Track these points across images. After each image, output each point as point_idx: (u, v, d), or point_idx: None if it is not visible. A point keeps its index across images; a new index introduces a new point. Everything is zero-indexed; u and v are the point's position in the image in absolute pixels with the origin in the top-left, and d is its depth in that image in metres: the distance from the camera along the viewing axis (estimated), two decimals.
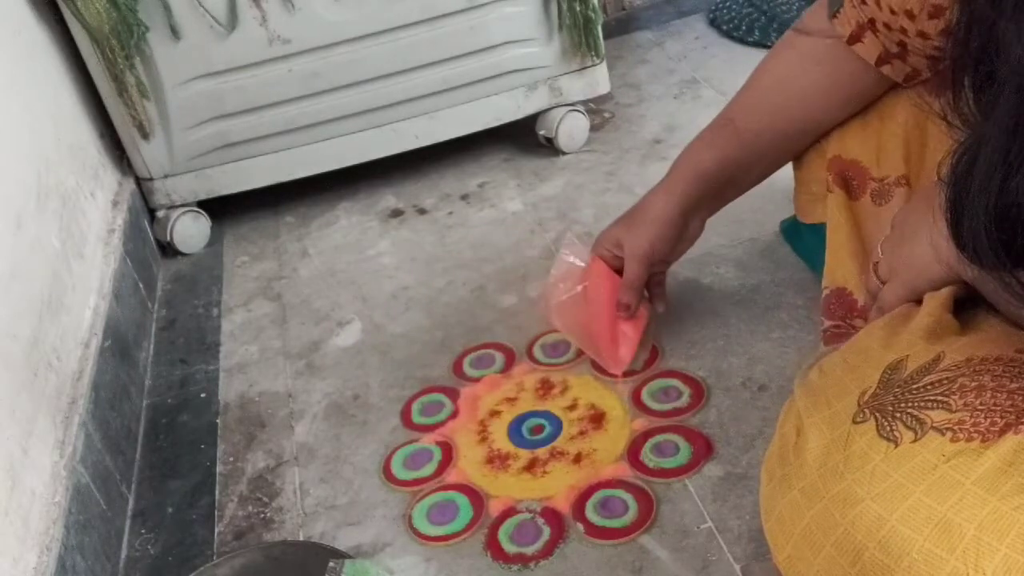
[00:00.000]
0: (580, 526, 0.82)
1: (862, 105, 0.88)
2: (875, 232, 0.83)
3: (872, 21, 0.79)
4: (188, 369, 1.16)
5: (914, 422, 0.56)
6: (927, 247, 0.66)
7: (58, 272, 1.02)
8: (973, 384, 0.56)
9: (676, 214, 0.94)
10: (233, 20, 1.26)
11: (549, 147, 1.46)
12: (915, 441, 0.54)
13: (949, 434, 0.54)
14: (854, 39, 0.82)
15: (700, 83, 1.57)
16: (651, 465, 0.86)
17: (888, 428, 0.56)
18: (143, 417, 1.09)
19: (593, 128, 1.48)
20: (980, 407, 0.54)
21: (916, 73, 0.81)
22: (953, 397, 0.56)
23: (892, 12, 0.76)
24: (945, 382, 0.57)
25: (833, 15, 0.83)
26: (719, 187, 0.95)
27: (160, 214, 1.40)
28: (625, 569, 0.78)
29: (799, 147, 0.95)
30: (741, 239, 1.14)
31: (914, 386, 0.58)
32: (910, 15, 0.75)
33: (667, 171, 0.97)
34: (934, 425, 0.54)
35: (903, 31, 0.77)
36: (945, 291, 0.66)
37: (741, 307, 1.03)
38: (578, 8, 1.35)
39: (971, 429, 0.53)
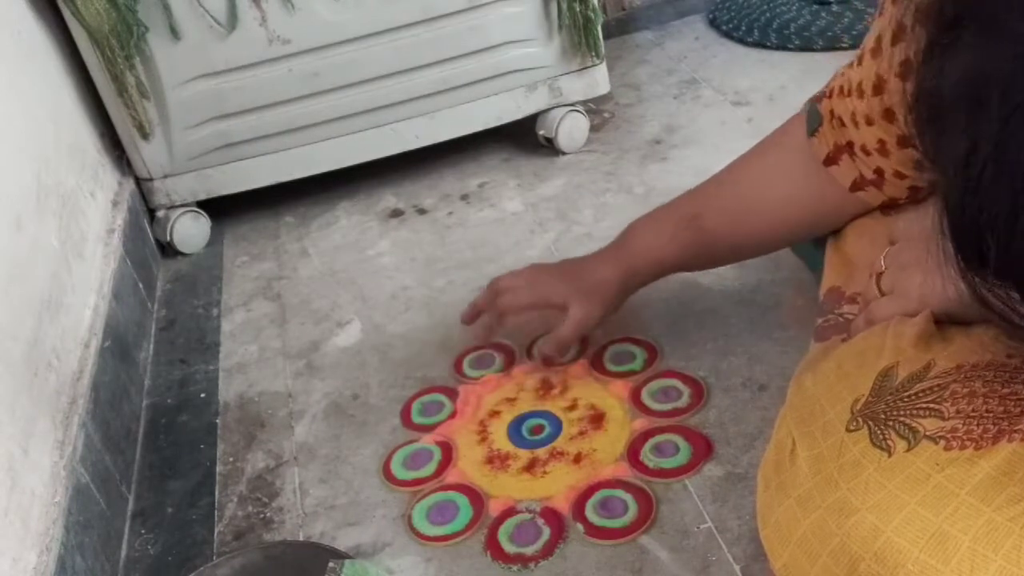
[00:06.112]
0: (580, 526, 0.82)
1: (834, 226, 0.84)
2: (868, 247, 0.80)
3: (850, 144, 0.75)
4: (188, 369, 1.16)
5: (907, 431, 0.55)
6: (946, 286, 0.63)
7: (58, 272, 1.02)
8: (964, 390, 0.55)
9: (626, 290, 0.96)
10: (233, 20, 1.26)
11: (549, 147, 1.46)
12: (908, 450, 0.54)
13: (942, 443, 0.53)
14: (830, 161, 0.78)
15: (700, 83, 1.57)
16: (651, 465, 0.86)
17: (881, 436, 0.56)
18: (143, 417, 1.09)
19: (593, 128, 1.48)
20: (972, 414, 0.54)
21: (893, 201, 0.78)
22: (945, 404, 0.55)
23: (866, 152, 0.74)
24: (936, 389, 0.57)
25: (812, 133, 0.79)
26: (666, 274, 0.97)
27: (160, 214, 1.40)
28: (625, 569, 0.78)
29: (754, 255, 0.95)
30: None
31: (905, 394, 0.58)
32: (883, 151, 0.73)
33: (622, 237, 0.96)
34: (927, 434, 0.54)
35: (879, 171, 0.75)
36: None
37: (741, 307, 1.03)
38: (578, 8, 1.35)
39: (964, 437, 0.53)
